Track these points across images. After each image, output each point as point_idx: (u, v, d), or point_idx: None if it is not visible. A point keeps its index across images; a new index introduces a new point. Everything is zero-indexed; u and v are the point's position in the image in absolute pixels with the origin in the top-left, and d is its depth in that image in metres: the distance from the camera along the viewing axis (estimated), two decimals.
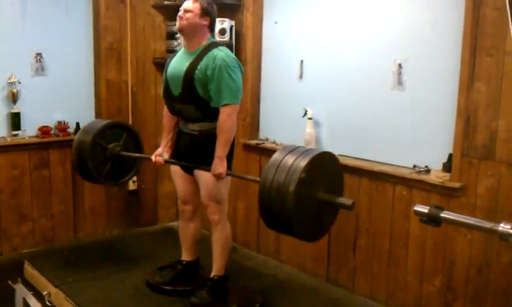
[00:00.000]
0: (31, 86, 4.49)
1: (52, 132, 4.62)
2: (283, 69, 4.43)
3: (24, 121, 4.46)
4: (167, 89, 3.39)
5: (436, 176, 3.41)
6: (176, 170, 3.54)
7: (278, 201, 2.61)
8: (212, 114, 3.22)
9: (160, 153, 3.53)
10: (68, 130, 4.69)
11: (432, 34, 3.45)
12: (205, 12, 3.27)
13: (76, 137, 3.83)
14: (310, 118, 4.11)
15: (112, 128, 3.84)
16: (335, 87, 4.02)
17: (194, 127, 3.35)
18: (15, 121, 4.41)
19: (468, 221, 2.18)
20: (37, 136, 4.56)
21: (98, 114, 4.87)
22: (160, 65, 5.06)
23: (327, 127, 4.13)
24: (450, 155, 3.37)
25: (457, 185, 3.28)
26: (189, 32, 3.29)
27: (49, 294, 3.61)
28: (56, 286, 3.62)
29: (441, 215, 2.11)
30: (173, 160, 3.48)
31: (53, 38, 4.61)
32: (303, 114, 4.14)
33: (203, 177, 3.33)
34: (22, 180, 4.49)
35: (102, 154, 3.76)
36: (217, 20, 4.36)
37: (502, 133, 3.09)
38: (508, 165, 3.07)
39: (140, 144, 3.97)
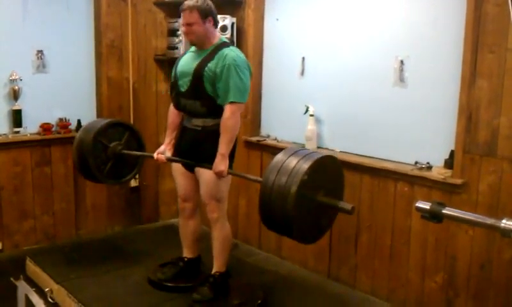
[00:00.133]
0: (33, 83, 4.50)
1: (53, 129, 4.63)
2: (284, 66, 4.43)
3: (26, 118, 4.47)
4: (175, 85, 3.40)
5: (438, 172, 3.41)
6: (177, 167, 3.54)
7: (278, 201, 2.62)
8: (217, 111, 3.23)
9: (163, 151, 3.53)
10: (69, 127, 4.69)
11: (434, 31, 3.44)
12: (205, 14, 3.25)
13: (77, 136, 3.84)
14: (311, 115, 4.11)
15: (114, 127, 3.85)
16: (336, 84, 4.02)
17: (197, 123, 3.35)
18: (17, 118, 4.42)
19: (469, 217, 2.17)
20: (38, 133, 4.56)
21: (99, 111, 4.87)
22: (162, 62, 5.08)
23: (328, 124, 4.13)
24: (452, 152, 3.36)
25: (459, 181, 3.28)
26: (201, 41, 3.31)
27: (51, 291, 3.62)
28: (58, 283, 3.63)
29: (443, 211, 2.11)
30: (175, 158, 3.48)
31: (54, 35, 4.61)
32: (304, 111, 4.14)
33: (204, 175, 3.33)
34: (23, 177, 4.50)
35: (103, 153, 3.76)
36: (219, 17, 4.36)
37: (503, 130, 3.08)
38: (510, 162, 3.07)
39: (142, 143, 3.97)
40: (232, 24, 4.47)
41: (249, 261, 4.34)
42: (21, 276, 3.64)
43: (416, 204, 2.19)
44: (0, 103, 4.38)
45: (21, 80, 4.40)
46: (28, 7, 4.43)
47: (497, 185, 3.13)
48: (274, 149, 4.25)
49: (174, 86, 3.43)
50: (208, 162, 3.24)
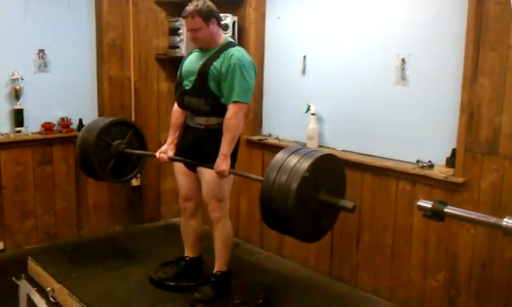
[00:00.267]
0: (34, 82, 4.50)
1: (55, 128, 4.63)
2: (285, 64, 4.43)
3: (27, 118, 4.47)
4: (180, 83, 3.41)
5: (440, 171, 3.40)
6: (179, 167, 3.54)
7: (279, 199, 2.61)
8: (220, 110, 3.23)
9: (165, 150, 3.53)
10: (71, 126, 4.69)
11: (435, 29, 3.44)
12: (208, 17, 3.24)
13: (80, 134, 3.85)
14: (312, 114, 4.10)
15: (117, 125, 3.86)
16: (337, 83, 4.02)
17: (200, 121, 3.35)
18: (18, 117, 4.42)
19: (471, 216, 2.17)
20: (40, 132, 4.56)
21: (100, 111, 4.87)
22: (163, 61, 5.07)
23: (330, 123, 4.12)
24: (454, 150, 3.36)
25: (460, 180, 3.27)
26: (208, 43, 3.31)
27: (53, 290, 3.63)
28: (59, 282, 3.63)
29: (445, 210, 2.11)
30: (177, 157, 3.48)
31: (55, 34, 4.61)
32: (305, 109, 4.14)
33: (206, 174, 3.33)
34: (25, 177, 4.50)
35: (106, 150, 3.76)
36: (220, 15, 4.36)
37: (505, 128, 3.08)
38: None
39: (145, 142, 3.97)
40: (233, 23, 4.47)
41: (251, 260, 4.34)
42: (23, 276, 3.63)
43: (418, 203, 2.19)
44: (1, 103, 4.38)
45: (22, 79, 4.40)
46: (29, 6, 4.43)
47: (499, 184, 3.13)
48: (276, 148, 4.23)
49: (179, 85, 3.43)
50: (210, 161, 3.24)
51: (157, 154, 3.53)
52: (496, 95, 3.10)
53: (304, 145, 4.13)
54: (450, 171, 3.36)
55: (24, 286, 3.60)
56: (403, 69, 3.61)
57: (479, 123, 3.19)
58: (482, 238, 3.24)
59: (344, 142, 4.03)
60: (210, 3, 3.30)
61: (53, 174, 4.65)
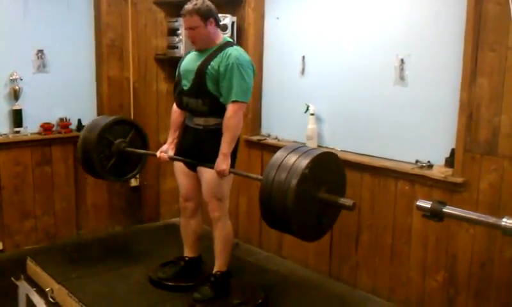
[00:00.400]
0: (33, 83, 4.50)
1: (54, 128, 4.63)
2: (285, 65, 4.43)
3: (26, 118, 4.47)
4: (178, 83, 3.42)
5: (439, 171, 3.40)
6: (179, 167, 3.54)
7: (278, 197, 2.61)
8: (219, 110, 3.23)
9: (165, 150, 3.54)
10: (70, 126, 4.69)
11: (434, 29, 3.44)
12: (206, 17, 3.24)
13: (83, 131, 3.87)
14: (312, 114, 4.10)
15: (120, 124, 3.88)
16: (337, 83, 4.02)
17: (199, 121, 3.36)
18: (17, 118, 4.42)
19: (470, 216, 2.18)
20: (39, 133, 4.56)
21: (100, 111, 4.87)
22: (162, 61, 5.07)
23: (329, 123, 4.12)
24: (453, 150, 3.36)
25: (459, 180, 3.27)
26: (205, 43, 3.31)
27: (52, 290, 3.63)
28: (58, 283, 3.63)
29: (444, 210, 2.12)
30: (178, 157, 3.48)
31: (54, 34, 4.61)
32: (304, 109, 4.14)
33: (206, 174, 3.33)
34: (24, 177, 4.50)
35: (107, 148, 3.77)
36: (219, 15, 4.35)
37: (504, 128, 3.08)
38: (511, 160, 3.07)
39: (146, 142, 3.99)
40: (232, 23, 4.47)
41: (250, 260, 4.34)
42: (22, 276, 3.64)
43: (417, 203, 2.19)
44: (0, 103, 4.38)
45: (21, 79, 4.40)
46: (28, 6, 4.43)
47: (498, 184, 3.13)
48: (275, 149, 4.20)
49: (177, 85, 3.43)
50: (210, 161, 3.24)
51: (158, 153, 3.54)
52: (496, 95, 3.10)
53: (303, 145, 4.13)
54: (449, 171, 3.36)
55: (23, 287, 3.60)
56: (402, 69, 3.61)
57: (478, 123, 3.19)
58: (481, 238, 3.24)
59: (343, 142, 4.03)
60: (209, 3, 3.30)
61: (52, 174, 4.65)
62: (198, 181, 3.47)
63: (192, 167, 3.45)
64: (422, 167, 3.51)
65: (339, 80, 4.00)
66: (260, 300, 3.45)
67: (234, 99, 3.17)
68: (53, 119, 4.64)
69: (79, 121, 4.71)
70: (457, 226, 3.32)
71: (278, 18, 4.47)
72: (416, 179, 3.52)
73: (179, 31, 4.73)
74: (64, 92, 4.71)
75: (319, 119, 4.14)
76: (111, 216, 5.03)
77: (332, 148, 4.06)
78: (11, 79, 4.37)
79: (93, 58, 4.86)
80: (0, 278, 3.78)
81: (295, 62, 4.30)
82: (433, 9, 3.43)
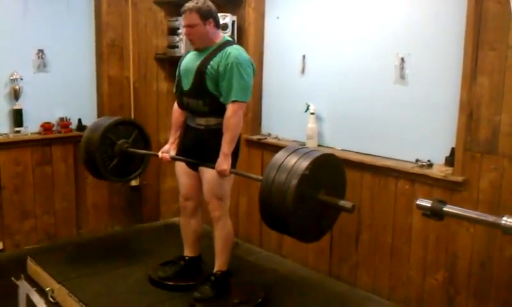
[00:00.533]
0: (33, 82, 4.50)
1: (54, 128, 4.63)
2: (285, 64, 4.43)
3: (26, 118, 4.47)
4: (178, 83, 3.42)
5: (439, 170, 3.40)
6: (180, 166, 3.54)
7: (278, 198, 2.61)
8: (220, 110, 3.23)
9: (167, 150, 3.54)
10: (70, 126, 4.69)
11: (434, 28, 3.44)
12: (205, 16, 3.23)
13: (86, 130, 3.88)
14: (312, 113, 4.10)
15: (123, 125, 3.89)
16: (337, 82, 4.02)
17: (200, 121, 3.36)
18: (17, 117, 4.42)
19: (470, 215, 2.18)
20: (39, 133, 4.56)
21: (100, 111, 4.87)
22: (162, 61, 5.07)
23: (329, 122, 4.12)
24: (453, 149, 3.36)
25: (459, 179, 3.27)
26: (203, 42, 3.30)
27: (52, 290, 3.62)
28: (59, 282, 3.63)
29: (444, 209, 2.11)
30: (179, 157, 3.49)
31: (55, 34, 4.61)
32: (305, 109, 4.14)
33: (207, 173, 3.33)
34: (24, 177, 4.50)
35: (110, 148, 3.78)
36: (219, 15, 4.35)
37: (504, 127, 3.08)
38: (511, 160, 3.06)
39: (149, 144, 3.99)
40: (233, 22, 4.47)
41: (250, 259, 4.34)
42: (22, 276, 3.64)
43: (417, 202, 2.19)
44: (1, 103, 4.39)
45: (22, 79, 4.40)
46: (28, 6, 4.44)
47: (498, 183, 3.13)
48: (275, 148, 4.23)
49: (177, 85, 3.43)
50: (211, 161, 3.24)
51: (160, 154, 3.54)
52: (496, 94, 3.10)
53: (304, 144, 4.13)
54: (450, 170, 3.36)
55: (24, 286, 3.61)
56: (402, 68, 3.61)
57: (478, 122, 3.19)
58: (481, 237, 3.24)
59: (343, 141, 4.03)
60: (210, 4, 3.30)
61: (52, 174, 4.65)
62: (199, 181, 3.47)
63: (193, 166, 3.45)
64: (422, 166, 3.51)
65: (339, 79, 4.00)
66: (260, 300, 3.45)
67: (234, 99, 3.17)
68: (53, 119, 4.64)
69: (79, 120, 4.72)
70: (458, 225, 3.32)
71: (278, 17, 4.47)
72: (416, 178, 3.52)
73: (179, 30, 4.72)
74: (65, 92, 4.71)
75: (319, 119, 4.14)
76: (111, 216, 5.03)
77: (332, 147, 4.06)
78: (12, 79, 4.37)
79: (93, 58, 4.86)
80: (1, 278, 3.78)
81: (295, 62, 4.30)
82: (433, 8, 3.43)
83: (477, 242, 3.27)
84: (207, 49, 3.29)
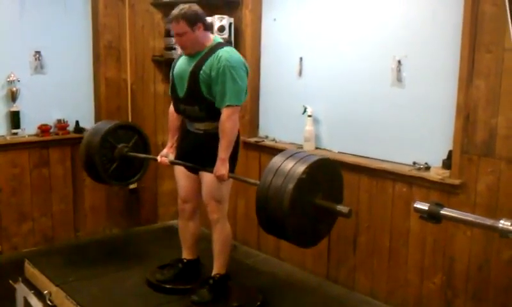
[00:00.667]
0: (30, 84, 4.49)
1: (51, 130, 4.62)
2: (282, 66, 4.43)
3: (24, 120, 4.46)
4: (173, 89, 3.41)
5: (436, 173, 3.40)
6: (180, 169, 3.54)
7: (275, 201, 2.61)
8: (216, 114, 3.22)
9: (166, 154, 3.55)
10: (67, 128, 4.69)
11: (431, 31, 3.44)
12: (193, 22, 3.19)
13: (87, 133, 3.89)
14: (309, 115, 4.10)
15: (124, 129, 3.91)
16: (334, 85, 4.02)
17: (199, 126, 3.36)
18: (15, 119, 4.41)
19: (468, 218, 2.18)
20: (37, 135, 4.56)
21: (97, 112, 4.87)
22: (160, 63, 5.07)
23: (326, 124, 4.12)
24: (450, 152, 3.36)
25: (457, 182, 3.27)
26: (195, 48, 3.27)
27: (50, 293, 3.62)
28: (56, 285, 3.62)
29: (441, 212, 2.11)
30: (178, 161, 3.49)
31: (52, 36, 4.60)
32: (302, 111, 4.14)
33: (206, 176, 3.33)
34: (21, 179, 4.49)
35: (110, 152, 3.79)
36: (216, 17, 4.37)
37: (501, 130, 3.08)
38: (508, 162, 3.07)
39: (149, 148, 4.01)
40: (230, 24, 4.46)
41: (248, 262, 4.34)
42: (20, 279, 3.65)
43: (415, 205, 2.19)
44: None
45: (19, 81, 4.40)
46: (25, 8, 4.43)
47: (495, 186, 3.13)
48: (273, 150, 4.25)
49: (173, 90, 3.42)
50: (211, 164, 3.23)
51: (159, 158, 3.55)
52: (492, 97, 3.10)
53: (301, 147, 4.14)
54: (447, 172, 3.36)
55: (21, 289, 3.61)
56: (399, 71, 3.61)
57: (475, 124, 3.19)
58: (478, 240, 3.24)
59: (340, 144, 4.03)
60: (196, 7, 3.26)
61: (50, 176, 4.64)
62: (198, 184, 3.47)
63: (193, 169, 3.45)
64: (419, 169, 3.51)
65: (336, 81, 4.00)
66: (258, 303, 3.45)
67: (228, 104, 3.16)
68: (51, 121, 4.63)
69: (77, 122, 4.71)
70: (455, 228, 3.32)
71: (275, 19, 4.46)
72: (413, 181, 3.52)
73: None
74: (62, 93, 4.70)
75: (316, 121, 4.13)
76: (109, 218, 5.02)
77: (329, 150, 4.06)
78: (9, 81, 4.36)
79: (90, 59, 4.86)
80: None
81: (292, 64, 4.30)
82: (430, 10, 3.43)
83: (475, 245, 3.27)
84: (199, 53, 3.26)
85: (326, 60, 4.07)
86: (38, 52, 4.52)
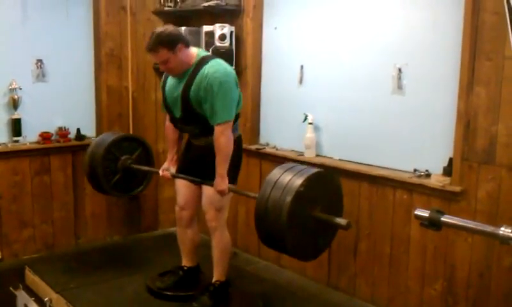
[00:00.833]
0: (32, 92, 4.51)
1: (52, 137, 4.63)
2: (283, 74, 4.44)
3: (25, 127, 4.48)
4: (168, 108, 3.41)
5: (437, 180, 3.41)
6: None
7: (273, 214, 2.62)
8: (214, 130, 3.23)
9: (167, 168, 3.56)
10: (68, 136, 4.70)
11: (431, 39, 3.45)
12: (172, 45, 3.11)
13: (91, 146, 3.91)
14: (310, 123, 4.11)
15: (128, 141, 3.95)
16: (335, 92, 4.03)
17: (200, 142, 3.38)
18: (16, 127, 4.43)
19: (468, 225, 2.18)
20: (38, 142, 4.57)
21: (98, 120, 4.88)
22: (161, 71, 5.07)
23: (327, 132, 4.13)
24: (451, 159, 3.37)
25: (457, 189, 3.28)
26: (181, 69, 3.22)
27: (50, 300, 3.61)
28: (57, 292, 3.62)
29: (442, 219, 2.11)
30: (180, 175, 3.50)
31: (54, 44, 4.62)
32: (303, 119, 4.15)
33: (208, 186, 3.34)
34: (22, 186, 4.50)
35: (113, 163, 3.82)
36: (217, 25, 4.39)
37: (502, 137, 3.09)
38: (508, 169, 3.08)
39: (152, 161, 4.04)
40: (231, 33, 4.48)
41: (249, 269, 4.34)
42: (20, 285, 3.64)
43: (415, 212, 2.19)
44: None
45: (20, 89, 4.41)
46: (27, 16, 4.45)
47: (496, 193, 3.13)
48: (274, 158, 4.27)
49: (168, 109, 3.42)
50: (212, 175, 3.23)
51: (160, 172, 3.57)
52: (493, 104, 3.11)
53: (302, 154, 4.15)
54: (447, 179, 3.37)
55: (22, 296, 3.60)
56: (400, 78, 3.62)
57: (475, 132, 3.20)
58: (479, 247, 3.24)
59: (341, 151, 4.03)
60: (171, 28, 3.20)
61: (51, 183, 4.65)
62: (198, 191, 3.48)
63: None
64: (420, 176, 3.52)
65: (337, 89, 4.01)
66: None
67: (219, 121, 3.14)
68: (52, 129, 4.65)
69: (78, 130, 4.72)
70: (456, 235, 3.32)
71: (276, 27, 4.48)
72: (414, 188, 3.52)
73: None
74: (63, 101, 4.72)
75: (317, 129, 4.14)
76: (109, 225, 5.02)
77: (330, 157, 4.07)
78: (10, 88, 4.38)
79: (92, 67, 4.88)
80: None
81: (293, 72, 4.31)
82: (430, 19, 3.45)
83: (475, 252, 3.27)
84: (186, 73, 3.22)
85: (327, 68, 4.08)
86: (39, 60, 4.55)
